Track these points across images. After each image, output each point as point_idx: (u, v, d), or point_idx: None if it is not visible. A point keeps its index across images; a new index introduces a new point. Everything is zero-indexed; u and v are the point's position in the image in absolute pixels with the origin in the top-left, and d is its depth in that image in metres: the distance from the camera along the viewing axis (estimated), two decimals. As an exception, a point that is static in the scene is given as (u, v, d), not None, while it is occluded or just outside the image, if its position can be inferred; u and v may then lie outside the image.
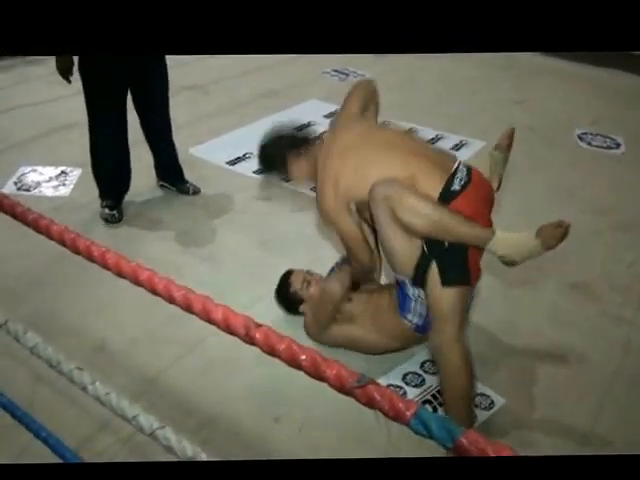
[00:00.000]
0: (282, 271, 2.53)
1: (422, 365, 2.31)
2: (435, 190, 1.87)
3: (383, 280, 2.50)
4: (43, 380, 2.10)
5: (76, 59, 2.94)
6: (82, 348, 2.27)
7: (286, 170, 2.20)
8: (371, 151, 1.99)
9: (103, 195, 3.19)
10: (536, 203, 3.36)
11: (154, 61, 3.03)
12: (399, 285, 2.10)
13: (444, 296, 1.87)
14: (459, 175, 1.92)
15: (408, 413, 0.89)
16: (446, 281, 1.86)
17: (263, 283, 2.62)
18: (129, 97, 3.06)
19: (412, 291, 2.05)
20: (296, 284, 2.44)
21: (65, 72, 2.90)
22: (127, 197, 3.25)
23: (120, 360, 2.28)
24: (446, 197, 1.86)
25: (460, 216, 1.82)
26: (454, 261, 1.87)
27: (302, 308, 2.43)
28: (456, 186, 1.88)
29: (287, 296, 2.46)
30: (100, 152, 3.09)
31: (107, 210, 3.16)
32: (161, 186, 3.44)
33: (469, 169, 1.97)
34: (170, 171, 3.40)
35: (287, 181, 2.45)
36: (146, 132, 3.24)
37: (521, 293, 2.71)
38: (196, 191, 3.39)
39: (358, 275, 2.26)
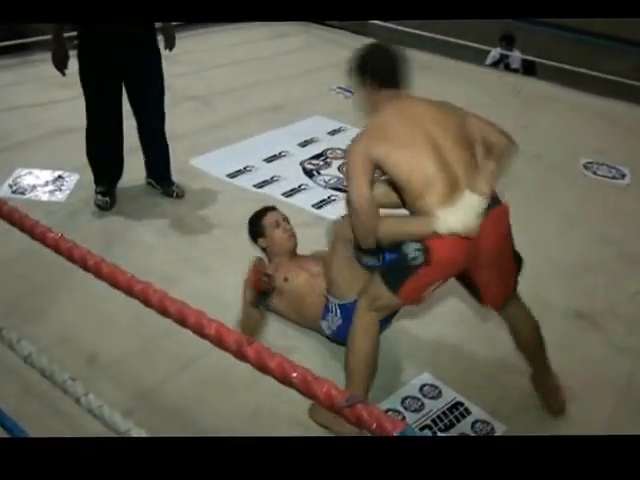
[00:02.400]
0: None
1: (421, 389, 2.33)
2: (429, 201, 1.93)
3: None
4: (32, 391, 2.12)
5: (73, 60, 3.06)
6: (73, 359, 2.29)
7: (356, 86, 2.16)
8: (426, 144, 1.97)
9: (97, 180, 3.36)
10: (540, 231, 3.40)
11: (150, 54, 3.17)
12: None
13: (376, 279, 2.07)
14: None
15: (395, 432, 0.92)
16: (383, 274, 2.06)
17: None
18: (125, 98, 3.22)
19: (332, 305, 2.37)
20: (268, 220, 2.76)
21: (60, 63, 3.06)
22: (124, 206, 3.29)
23: (112, 372, 2.31)
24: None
25: (400, 220, 2.02)
26: (397, 270, 2.02)
27: (259, 242, 2.78)
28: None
29: (255, 224, 2.80)
30: (94, 136, 3.26)
31: (100, 196, 3.32)
32: (148, 183, 3.56)
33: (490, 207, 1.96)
34: (158, 170, 3.52)
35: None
36: (139, 128, 3.38)
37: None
38: (180, 194, 3.49)
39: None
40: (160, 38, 3.28)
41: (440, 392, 2.31)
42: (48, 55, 3.14)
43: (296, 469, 0.99)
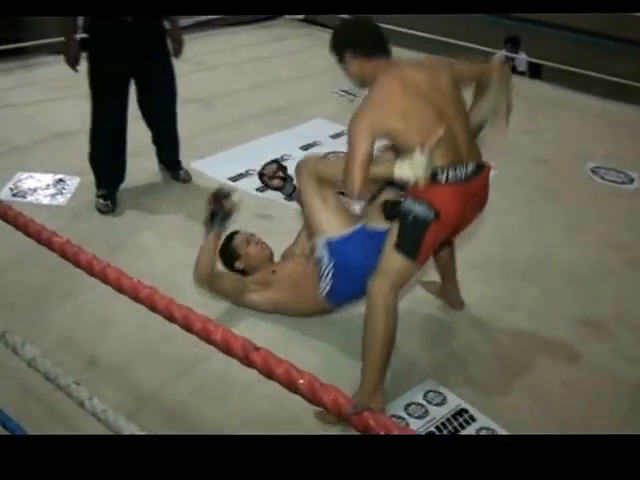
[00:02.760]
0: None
1: (425, 395, 2.34)
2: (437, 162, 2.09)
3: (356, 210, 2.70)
4: (33, 393, 2.13)
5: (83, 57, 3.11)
6: (74, 362, 2.31)
7: (344, 59, 2.26)
8: (425, 107, 2.11)
9: (98, 184, 3.41)
10: (547, 237, 3.42)
11: (158, 51, 3.31)
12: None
13: (391, 257, 2.16)
14: (460, 169, 2.13)
15: (402, 442, 0.94)
16: (398, 247, 2.14)
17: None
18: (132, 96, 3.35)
19: (326, 257, 2.45)
20: (237, 241, 2.77)
21: (72, 60, 3.18)
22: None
23: (112, 376, 2.33)
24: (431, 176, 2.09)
25: (370, 165, 2.10)
26: (412, 234, 2.13)
27: (237, 265, 2.75)
28: (451, 175, 2.11)
29: (226, 250, 2.76)
30: (99, 139, 3.33)
31: (101, 200, 3.38)
32: (160, 169, 3.76)
33: (476, 171, 2.17)
34: (168, 157, 3.72)
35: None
36: (149, 121, 3.51)
37: (531, 328, 2.76)
38: (186, 179, 3.71)
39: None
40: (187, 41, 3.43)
41: (445, 399, 2.32)
42: (48, 59, 3.20)
43: (295, 468, 1.01)
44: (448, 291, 2.78)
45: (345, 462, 1.01)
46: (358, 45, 2.20)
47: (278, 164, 2.88)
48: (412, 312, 2.77)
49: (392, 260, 2.16)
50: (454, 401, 2.31)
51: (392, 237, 2.17)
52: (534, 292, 2.98)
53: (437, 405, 2.28)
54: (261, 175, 2.89)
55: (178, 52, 3.45)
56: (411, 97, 2.11)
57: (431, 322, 2.75)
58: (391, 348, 2.19)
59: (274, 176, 2.83)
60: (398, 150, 2.18)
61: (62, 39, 3.19)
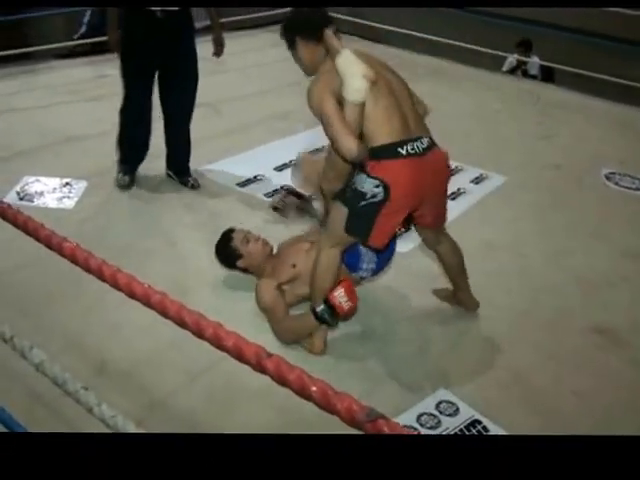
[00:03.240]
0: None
1: (438, 406, 2.33)
2: (389, 139, 2.23)
3: None
4: (42, 398, 2.15)
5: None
6: (82, 367, 2.32)
7: (295, 45, 2.42)
8: (384, 86, 2.30)
9: (122, 161, 3.68)
10: (560, 244, 3.42)
11: (186, 50, 3.50)
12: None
13: (338, 226, 2.35)
14: (417, 144, 2.27)
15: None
16: (348, 230, 2.33)
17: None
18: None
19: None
20: (236, 240, 2.79)
21: (115, 45, 3.47)
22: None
23: (121, 382, 2.34)
24: (387, 152, 2.23)
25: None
26: (361, 218, 2.29)
27: (239, 264, 2.80)
28: (408, 149, 2.24)
29: (226, 250, 2.81)
30: (127, 121, 3.59)
31: (121, 175, 3.67)
32: (167, 175, 3.82)
33: (430, 146, 2.32)
34: (178, 163, 3.80)
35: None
36: (166, 120, 3.66)
37: (543, 336, 2.75)
38: (195, 186, 3.76)
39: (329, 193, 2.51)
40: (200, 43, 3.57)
41: (457, 409, 2.31)
42: (53, 63, 3.25)
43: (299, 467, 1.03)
44: (461, 295, 2.81)
45: (353, 462, 1.02)
46: (309, 30, 2.36)
47: (286, 191, 2.97)
48: (424, 322, 2.79)
49: (337, 225, 2.35)
50: (467, 411, 2.30)
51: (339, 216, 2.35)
52: (547, 299, 2.98)
53: (450, 415, 2.28)
54: (275, 209, 3.03)
55: (220, 53, 3.71)
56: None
57: (444, 331, 2.74)
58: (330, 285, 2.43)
59: (285, 205, 3.00)
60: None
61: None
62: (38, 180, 3.69)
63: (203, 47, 3.65)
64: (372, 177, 2.23)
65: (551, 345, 2.71)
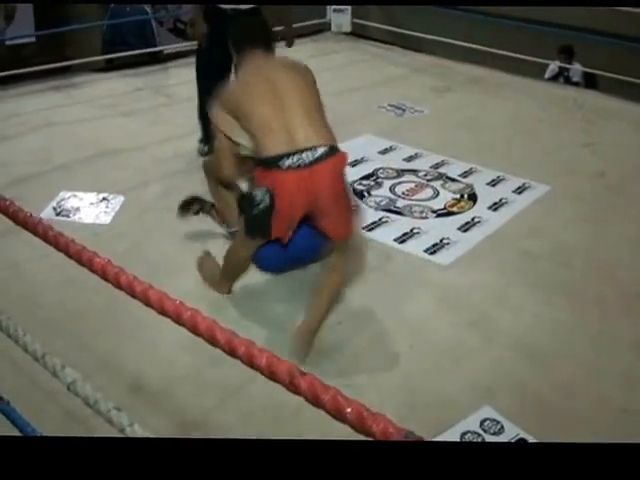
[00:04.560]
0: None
1: (482, 424, 2.27)
2: (273, 151, 2.37)
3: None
4: (75, 416, 2.14)
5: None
6: (117, 386, 2.32)
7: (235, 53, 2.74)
8: (275, 98, 2.45)
9: (205, 136, 4.00)
10: (604, 256, 3.32)
11: None
12: None
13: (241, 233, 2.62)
14: (305, 155, 2.35)
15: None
16: (247, 234, 2.55)
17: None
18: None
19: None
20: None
21: (201, 38, 3.79)
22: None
23: (156, 400, 2.33)
24: (271, 164, 2.37)
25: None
26: (256, 222, 2.47)
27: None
28: (290, 162, 2.34)
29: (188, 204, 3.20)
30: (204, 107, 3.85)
31: (202, 145, 4.07)
32: None
33: (323, 156, 2.37)
34: None
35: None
36: None
37: (588, 351, 2.67)
38: None
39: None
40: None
41: (502, 427, 2.24)
42: (92, 77, 3.27)
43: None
44: (303, 326, 2.57)
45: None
46: (233, 43, 2.72)
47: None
48: (463, 335, 2.73)
49: (242, 238, 2.61)
50: (512, 430, 2.23)
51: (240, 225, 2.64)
52: (592, 314, 2.88)
53: (494, 434, 2.21)
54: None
55: (291, 44, 4.13)
56: (259, 84, 2.49)
57: (484, 344, 2.68)
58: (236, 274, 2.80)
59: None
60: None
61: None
62: (75, 195, 3.73)
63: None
64: (260, 185, 2.41)
65: (597, 360, 2.62)
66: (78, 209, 3.60)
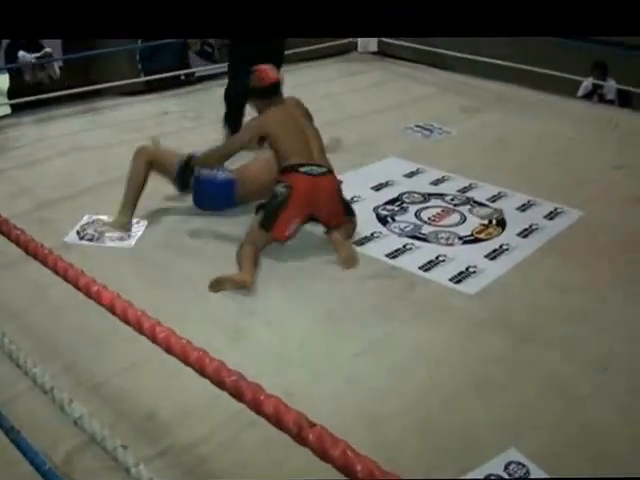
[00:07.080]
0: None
1: (506, 467, 2.16)
2: (295, 161, 3.29)
3: None
4: (85, 452, 2.11)
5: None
6: (133, 414, 2.29)
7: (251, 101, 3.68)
8: (293, 132, 3.38)
9: (228, 119, 4.64)
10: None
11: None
12: None
13: (255, 225, 3.30)
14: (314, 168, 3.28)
15: None
16: (260, 222, 3.27)
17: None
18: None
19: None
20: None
21: None
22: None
23: (172, 431, 2.28)
24: (292, 169, 3.28)
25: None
26: (270, 211, 3.24)
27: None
28: (305, 169, 3.27)
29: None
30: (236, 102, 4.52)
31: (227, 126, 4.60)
32: None
33: (325, 172, 3.32)
34: None
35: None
36: None
37: (622, 393, 2.54)
38: None
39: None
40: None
41: (528, 471, 2.12)
42: (118, 101, 3.29)
43: None
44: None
45: None
46: (253, 92, 3.56)
47: None
48: (491, 373, 2.63)
49: (253, 228, 3.29)
50: (538, 474, 2.12)
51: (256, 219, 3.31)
52: (629, 350, 2.75)
53: (520, 479, 2.10)
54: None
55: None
56: (285, 122, 3.39)
57: (510, 381, 2.57)
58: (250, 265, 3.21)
59: None
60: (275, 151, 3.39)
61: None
62: (99, 219, 3.73)
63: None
64: (282, 182, 3.25)
65: (632, 403, 2.48)
66: (102, 233, 3.60)
